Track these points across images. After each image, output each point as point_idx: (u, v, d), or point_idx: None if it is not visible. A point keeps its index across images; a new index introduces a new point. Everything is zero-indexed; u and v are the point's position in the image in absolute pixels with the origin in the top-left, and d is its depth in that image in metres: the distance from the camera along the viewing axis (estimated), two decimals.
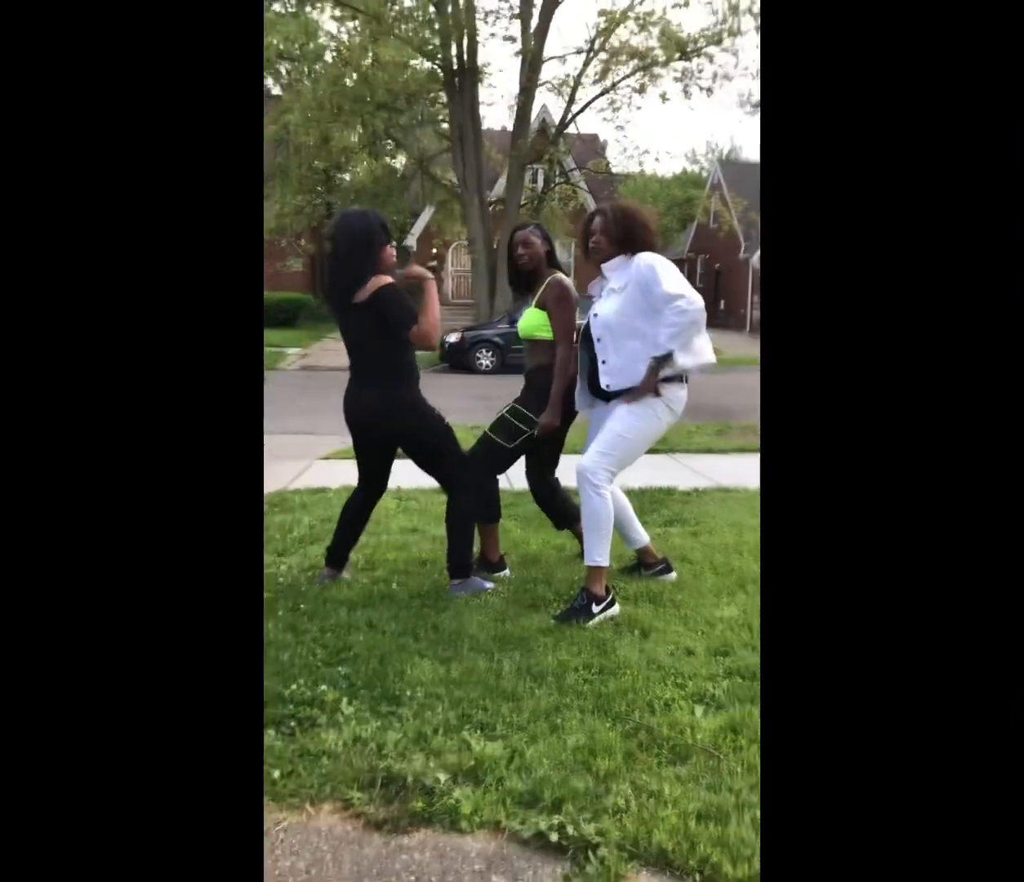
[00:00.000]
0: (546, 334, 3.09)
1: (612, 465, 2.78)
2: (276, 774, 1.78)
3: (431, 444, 2.96)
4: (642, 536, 3.15)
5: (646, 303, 2.74)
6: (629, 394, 2.79)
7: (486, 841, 1.59)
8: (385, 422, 2.89)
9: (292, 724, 1.99)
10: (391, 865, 1.52)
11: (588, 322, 2.95)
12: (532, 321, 3.09)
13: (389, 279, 2.84)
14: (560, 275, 3.14)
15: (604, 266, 2.92)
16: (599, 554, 2.72)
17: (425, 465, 3.05)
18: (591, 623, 2.63)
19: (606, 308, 2.85)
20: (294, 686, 2.15)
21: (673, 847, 1.52)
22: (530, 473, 3.36)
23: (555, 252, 3.22)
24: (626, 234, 2.86)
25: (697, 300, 2.68)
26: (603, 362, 2.86)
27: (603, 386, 2.85)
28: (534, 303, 3.11)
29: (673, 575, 3.16)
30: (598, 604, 2.69)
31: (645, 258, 2.77)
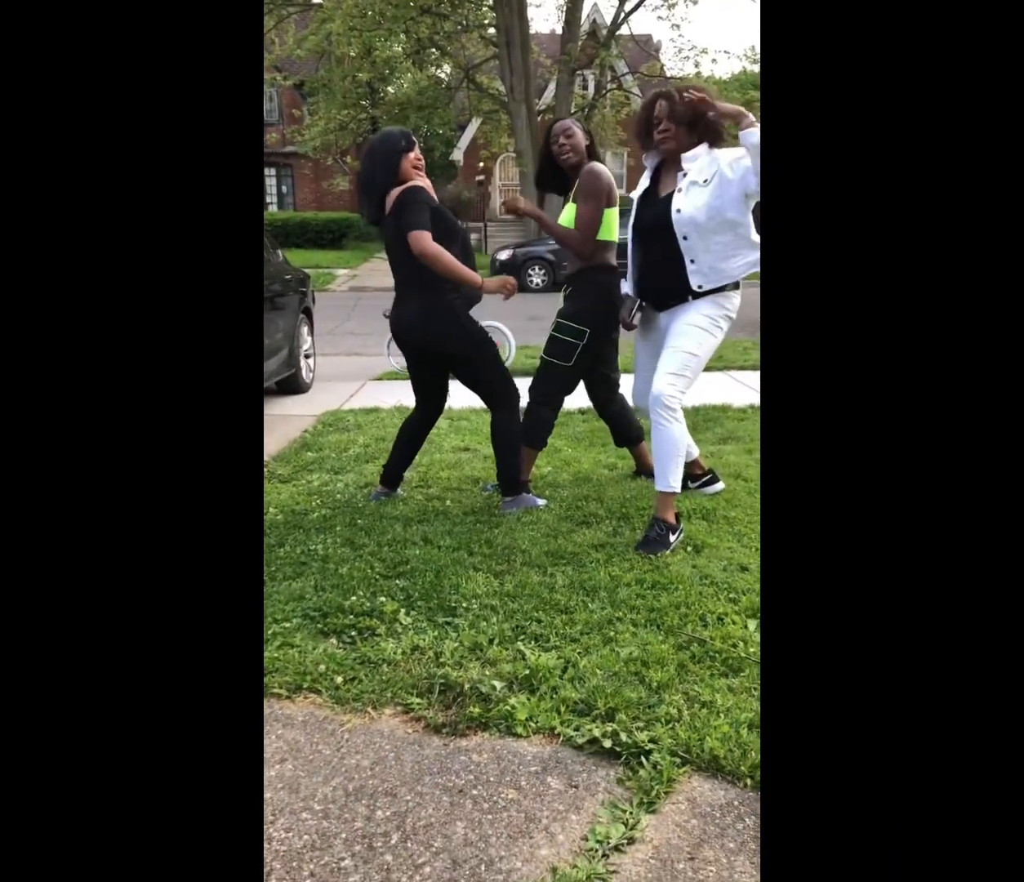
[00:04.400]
0: None
1: (686, 386, 2.67)
2: (339, 680, 1.86)
3: (471, 359, 2.90)
4: (693, 448, 3.11)
5: (739, 193, 2.56)
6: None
7: (541, 745, 1.64)
8: (422, 335, 2.86)
9: (353, 633, 2.07)
10: (450, 765, 1.59)
11: (637, 220, 2.82)
12: (571, 218, 2.94)
13: (414, 183, 2.79)
14: (597, 164, 2.93)
15: (683, 157, 2.68)
16: (675, 478, 2.65)
17: (466, 380, 2.99)
18: (668, 551, 2.56)
19: (691, 203, 2.63)
20: (354, 598, 2.23)
21: (725, 754, 1.54)
22: (594, 393, 3.30)
23: (595, 145, 3.02)
24: (700, 120, 2.62)
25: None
26: (691, 261, 2.67)
27: (695, 287, 2.68)
28: (572, 197, 2.96)
29: (721, 486, 3.13)
30: (673, 533, 2.60)
31: (735, 150, 2.59)
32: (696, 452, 3.14)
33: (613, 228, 2.98)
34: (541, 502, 3.02)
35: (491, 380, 2.97)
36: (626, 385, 3.20)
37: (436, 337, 2.87)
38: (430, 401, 3.14)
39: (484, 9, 16.33)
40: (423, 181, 2.82)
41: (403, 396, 4.26)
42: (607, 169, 2.96)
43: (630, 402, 3.16)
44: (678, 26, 39.26)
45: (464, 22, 16.40)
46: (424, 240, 2.68)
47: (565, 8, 15.53)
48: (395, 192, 2.79)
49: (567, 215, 2.96)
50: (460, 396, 3.70)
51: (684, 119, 2.65)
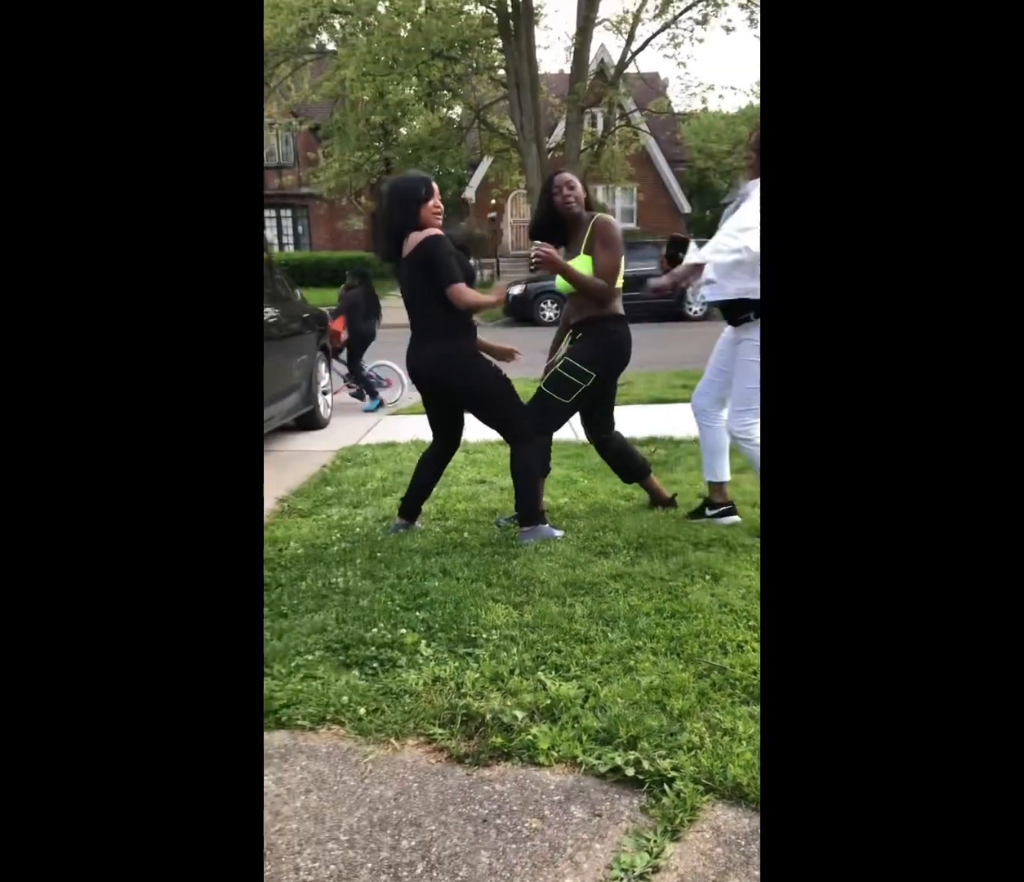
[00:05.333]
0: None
1: (755, 416, 2.90)
2: (362, 711, 1.88)
3: (488, 397, 2.98)
4: (725, 473, 3.17)
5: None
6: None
7: (564, 774, 1.65)
8: (440, 377, 2.94)
9: (375, 665, 2.09)
10: (474, 795, 1.60)
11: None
12: (588, 269, 3.04)
13: (435, 231, 2.86)
14: (604, 214, 3.09)
15: (750, 183, 2.95)
16: (721, 471, 3.15)
17: (484, 418, 3.08)
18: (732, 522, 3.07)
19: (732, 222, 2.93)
20: (375, 630, 2.25)
21: (748, 781, 1.54)
22: (591, 430, 3.36)
23: (590, 196, 3.17)
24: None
25: (750, 247, 2.70)
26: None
27: (700, 294, 3.00)
28: (583, 249, 3.05)
29: (737, 519, 3.15)
30: (728, 512, 3.14)
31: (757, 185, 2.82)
32: (727, 478, 3.18)
33: (621, 276, 3.10)
34: (558, 533, 3.04)
35: (508, 416, 3.02)
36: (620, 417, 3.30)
37: (455, 382, 2.94)
38: (447, 435, 3.19)
39: (494, 52, 16.70)
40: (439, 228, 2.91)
41: (419, 431, 4.31)
42: (614, 220, 3.15)
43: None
44: (684, 64, 39.89)
45: (474, 65, 16.77)
46: (464, 293, 2.85)
47: (573, 49, 15.85)
48: (415, 238, 2.86)
49: (578, 266, 3.05)
50: (476, 429, 3.74)
51: (756, 149, 2.94)
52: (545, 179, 3.19)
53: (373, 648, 2.16)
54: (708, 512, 3.17)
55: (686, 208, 22.81)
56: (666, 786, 1.56)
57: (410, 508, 3.21)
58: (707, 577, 2.58)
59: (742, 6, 15.04)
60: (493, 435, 3.60)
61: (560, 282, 3.10)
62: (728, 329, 3.07)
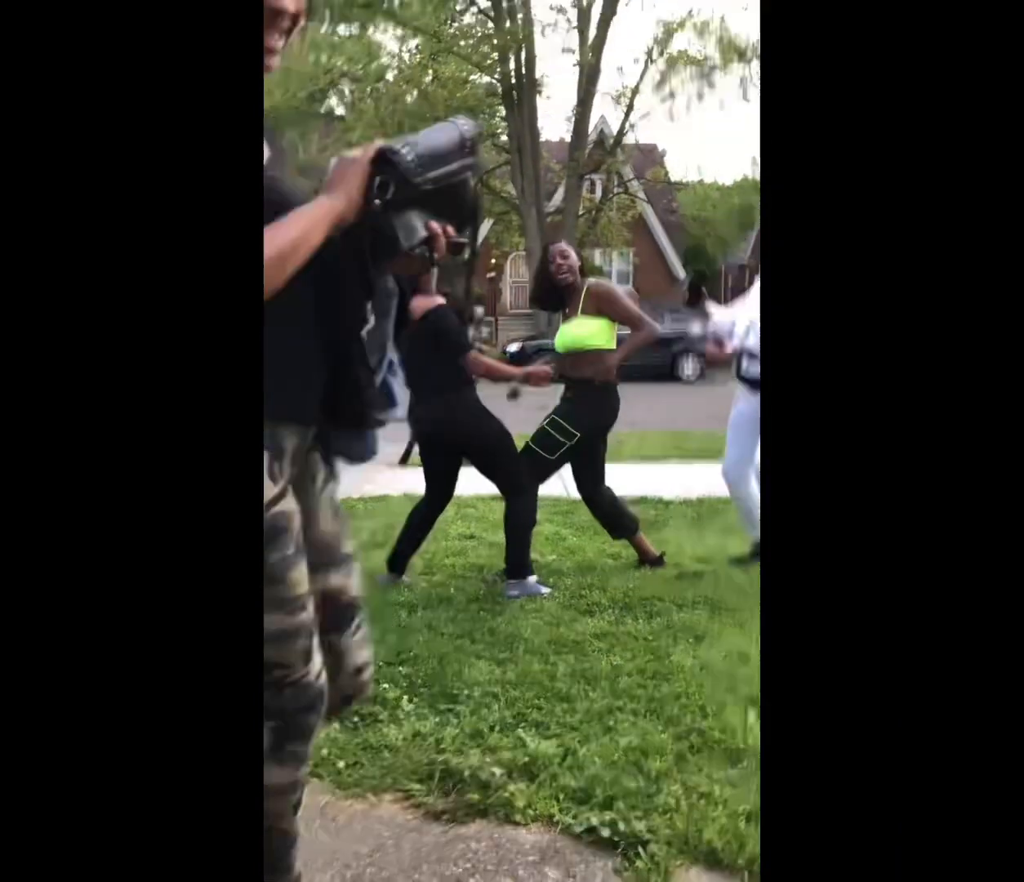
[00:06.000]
0: (600, 342, 3.14)
1: None
2: (341, 764, 1.88)
3: (492, 450, 3.08)
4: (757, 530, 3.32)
5: None
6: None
7: (540, 834, 1.64)
8: (451, 429, 3.03)
9: (355, 719, 2.09)
10: (449, 853, 1.59)
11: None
12: (584, 330, 3.16)
13: (440, 300, 2.97)
14: (599, 279, 3.38)
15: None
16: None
17: (486, 470, 3.17)
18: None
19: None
20: None
21: (723, 845, 1.54)
22: (581, 485, 3.42)
23: (584, 264, 3.34)
24: None
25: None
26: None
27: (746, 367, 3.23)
28: (579, 312, 3.18)
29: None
30: None
31: None
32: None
33: (614, 339, 3.19)
34: (545, 590, 3.06)
35: (509, 467, 3.09)
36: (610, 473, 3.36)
37: (464, 433, 3.03)
38: (441, 490, 3.24)
39: (497, 119, 17.23)
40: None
41: (410, 484, 4.34)
42: None
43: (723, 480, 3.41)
44: (680, 136, 40.99)
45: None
46: (481, 362, 3.06)
47: (573, 119, 16.37)
48: (419, 305, 2.93)
49: (577, 329, 3.18)
50: (466, 484, 3.78)
51: None
52: (542, 250, 3.33)
53: None
54: (754, 559, 3.32)
55: (681, 274, 23.24)
56: (640, 848, 1.56)
57: (398, 563, 3.24)
58: (690, 638, 2.59)
59: (737, 85, 15.60)
60: (485, 490, 3.64)
61: (567, 338, 3.23)
62: (746, 399, 3.23)
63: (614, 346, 3.23)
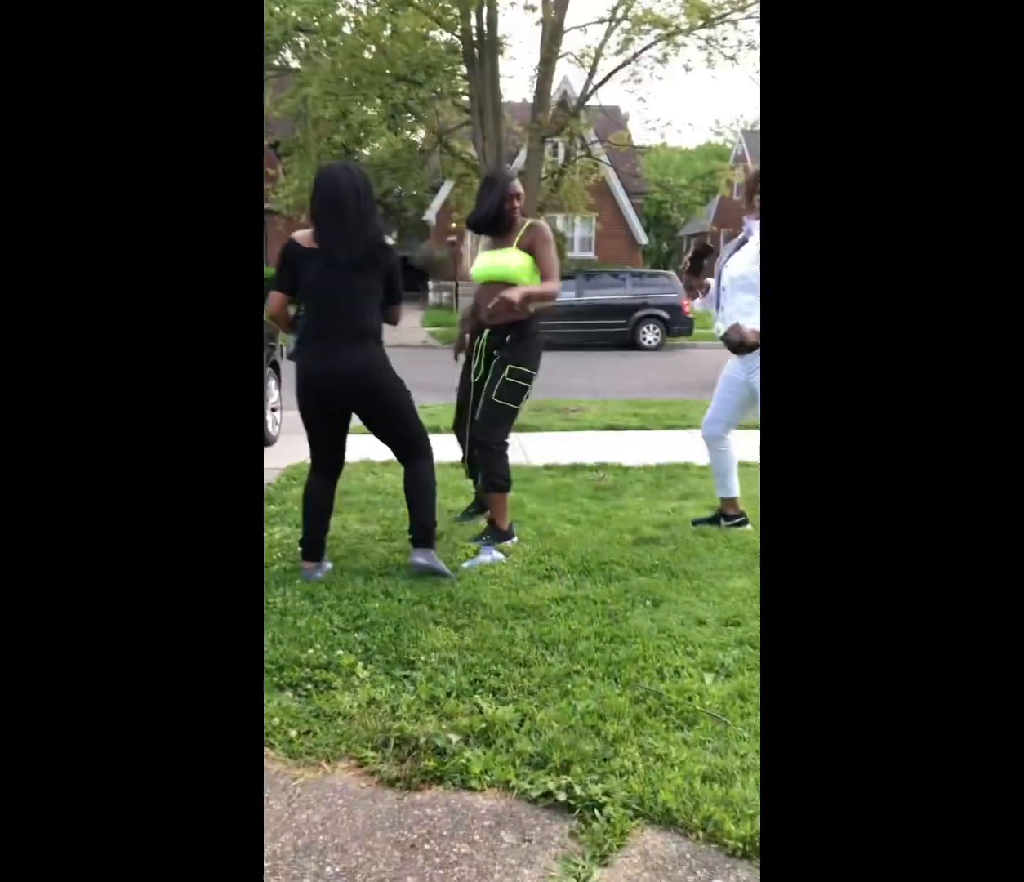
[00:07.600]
0: (525, 278, 3.10)
1: None
2: (293, 733, 1.84)
3: (401, 407, 2.88)
4: (736, 490, 3.44)
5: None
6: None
7: (496, 799, 1.63)
8: (368, 380, 2.77)
9: (309, 687, 2.05)
10: (403, 819, 1.57)
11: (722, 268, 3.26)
12: (516, 262, 3.11)
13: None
14: (541, 220, 3.28)
15: (754, 221, 3.16)
16: (733, 486, 3.43)
17: (392, 430, 2.91)
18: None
19: (739, 259, 3.14)
20: (311, 651, 2.20)
21: (678, 806, 1.55)
22: (460, 427, 3.35)
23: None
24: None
25: None
26: (720, 308, 3.18)
27: (715, 330, 3.22)
28: (515, 244, 3.14)
29: (749, 527, 3.41)
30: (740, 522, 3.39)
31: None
32: (737, 494, 3.44)
33: (538, 281, 3.20)
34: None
35: (414, 428, 2.91)
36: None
37: (380, 384, 2.80)
38: (334, 458, 2.99)
39: (458, 78, 16.84)
40: None
41: (368, 450, 4.27)
42: None
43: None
44: (644, 99, 40.86)
45: (438, 90, 16.87)
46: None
47: (536, 80, 16.09)
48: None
49: (506, 258, 3.15)
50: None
51: (753, 189, 3.16)
52: (500, 183, 3.24)
53: (308, 670, 2.12)
54: (724, 523, 3.42)
55: (643, 239, 23.23)
56: (597, 811, 1.56)
57: (313, 548, 2.90)
58: (647, 602, 2.60)
59: (700, 47, 15.46)
60: (441, 457, 3.58)
61: (496, 268, 3.16)
62: (734, 362, 3.26)
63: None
